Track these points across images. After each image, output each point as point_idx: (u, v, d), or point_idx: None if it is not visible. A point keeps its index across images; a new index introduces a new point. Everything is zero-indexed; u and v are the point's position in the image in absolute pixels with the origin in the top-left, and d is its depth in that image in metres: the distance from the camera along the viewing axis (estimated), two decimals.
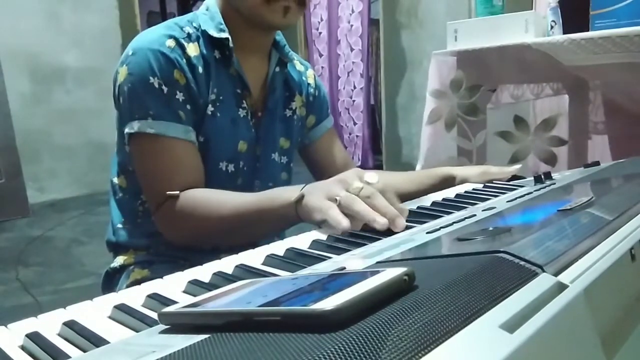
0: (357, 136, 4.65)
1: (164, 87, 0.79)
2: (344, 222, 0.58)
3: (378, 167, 4.43)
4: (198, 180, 0.83)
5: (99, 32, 3.99)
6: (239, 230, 0.76)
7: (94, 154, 3.95)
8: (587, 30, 1.26)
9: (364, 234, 0.59)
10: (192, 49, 0.84)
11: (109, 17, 4.07)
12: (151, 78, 0.79)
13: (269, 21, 0.84)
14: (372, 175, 0.64)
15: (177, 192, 0.78)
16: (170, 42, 0.82)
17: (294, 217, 0.68)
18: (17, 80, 3.66)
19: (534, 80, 1.61)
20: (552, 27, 1.39)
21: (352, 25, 4.48)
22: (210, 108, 0.85)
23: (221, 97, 0.86)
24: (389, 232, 0.56)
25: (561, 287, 0.31)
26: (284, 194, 0.69)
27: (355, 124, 4.65)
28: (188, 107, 0.82)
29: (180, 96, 0.81)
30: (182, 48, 0.82)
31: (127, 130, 0.81)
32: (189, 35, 0.85)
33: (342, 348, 0.23)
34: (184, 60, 0.82)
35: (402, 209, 0.61)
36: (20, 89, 3.71)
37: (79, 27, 3.96)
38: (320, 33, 4.78)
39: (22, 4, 3.71)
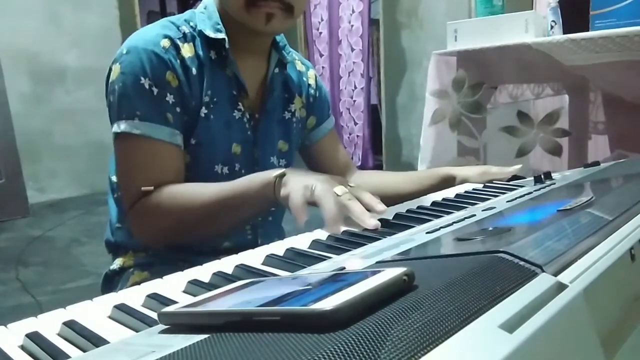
0: (357, 136, 4.65)
1: (154, 88, 0.79)
2: (303, 217, 0.63)
3: (378, 167, 4.43)
4: (177, 182, 0.82)
5: (99, 32, 3.99)
6: (221, 217, 0.76)
7: (94, 154, 3.95)
8: (587, 30, 1.26)
9: (364, 234, 0.59)
10: (187, 50, 0.83)
11: (109, 17, 4.07)
12: (142, 78, 0.79)
13: (252, 27, 0.83)
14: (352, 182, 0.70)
15: (152, 187, 0.78)
16: (165, 42, 0.81)
17: (272, 197, 0.69)
18: (17, 80, 3.66)
19: (534, 80, 1.61)
20: (552, 27, 1.39)
21: (352, 25, 4.48)
22: (203, 110, 0.84)
23: (215, 99, 0.85)
24: (388, 232, 0.56)
25: (561, 287, 0.31)
26: (266, 174, 0.71)
27: (355, 123, 4.65)
28: (178, 109, 0.81)
29: (170, 98, 0.80)
30: (177, 49, 0.82)
31: (113, 129, 0.81)
32: (184, 35, 0.84)
33: (342, 348, 0.23)
34: (178, 61, 0.82)
35: (377, 208, 0.65)
36: (20, 89, 3.72)
37: (79, 27, 3.96)
38: (320, 33, 4.78)
39: (22, 4, 3.71)
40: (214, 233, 0.84)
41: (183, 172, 0.84)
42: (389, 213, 0.67)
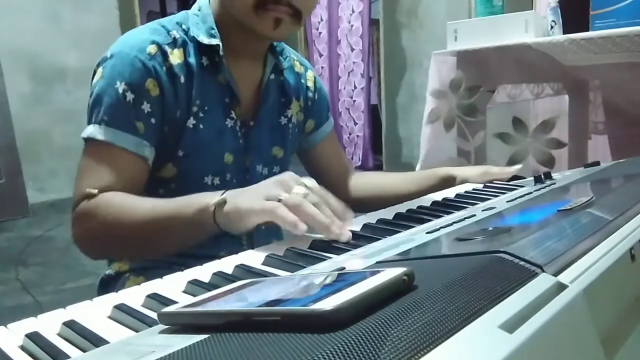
0: (357, 136, 4.65)
1: (129, 94, 0.76)
2: (300, 225, 0.54)
3: (378, 167, 4.43)
4: (131, 192, 0.76)
5: (99, 32, 3.98)
6: (152, 237, 0.70)
7: None
8: (587, 30, 1.26)
9: (363, 234, 0.59)
10: (176, 56, 0.80)
11: (109, 17, 4.07)
12: (118, 83, 0.76)
13: (259, 31, 0.80)
14: (310, 180, 0.61)
15: (96, 191, 0.73)
16: (152, 49, 0.78)
17: (211, 224, 0.62)
18: (17, 80, 3.66)
19: (534, 80, 1.61)
20: (552, 27, 1.39)
21: (352, 25, 4.48)
22: (191, 121, 0.81)
23: (206, 108, 0.82)
24: (388, 232, 0.56)
25: (561, 287, 0.31)
26: (202, 198, 0.64)
27: (355, 124, 4.65)
28: (153, 120, 0.78)
29: (146, 107, 0.77)
30: (164, 55, 0.78)
31: (82, 134, 0.78)
32: (174, 41, 0.81)
33: (342, 348, 0.23)
34: (164, 69, 0.78)
35: (345, 216, 0.60)
36: (20, 89, 3.71)
37: (79, 27, 3.96)
38: (320, 33, 4.78)
39: (22, 4, 3.71)
40: (147, 252, 0.77)
41: (140, 184, 0.79)
42: (389, 213, 0.67)
